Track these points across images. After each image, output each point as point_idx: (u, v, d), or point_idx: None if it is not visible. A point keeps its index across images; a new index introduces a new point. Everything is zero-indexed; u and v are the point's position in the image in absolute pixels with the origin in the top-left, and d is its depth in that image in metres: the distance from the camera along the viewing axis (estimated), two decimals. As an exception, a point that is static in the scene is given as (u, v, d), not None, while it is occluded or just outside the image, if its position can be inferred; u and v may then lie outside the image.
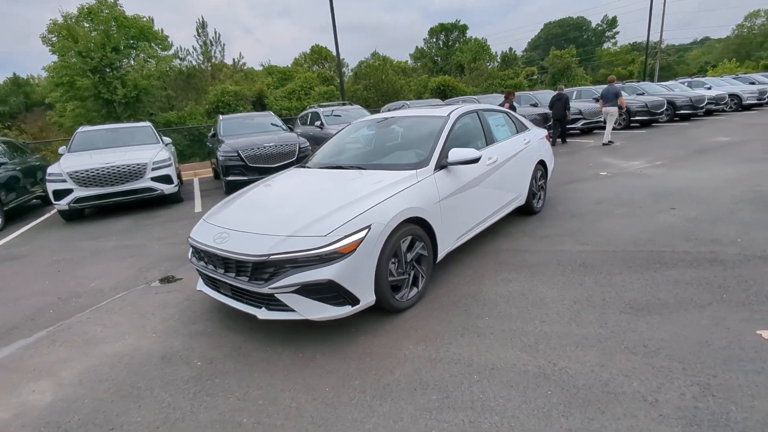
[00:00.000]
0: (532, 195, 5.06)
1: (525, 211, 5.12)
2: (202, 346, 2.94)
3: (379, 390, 2.31)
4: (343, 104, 11.75)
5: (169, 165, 7.90)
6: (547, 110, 12.51)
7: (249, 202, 3.47)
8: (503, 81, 28.37)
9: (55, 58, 16.45)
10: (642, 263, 3.56)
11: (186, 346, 2.97)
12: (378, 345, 2.74)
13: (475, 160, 3.53)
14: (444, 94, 22.67)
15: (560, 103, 11.99)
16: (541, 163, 5.27)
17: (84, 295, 4.10)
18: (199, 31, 21.77)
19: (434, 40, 36.37)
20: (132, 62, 16.86)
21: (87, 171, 7.18)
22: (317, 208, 2.91)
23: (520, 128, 5.16)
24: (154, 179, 7.59)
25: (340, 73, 15.35)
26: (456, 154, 3.50)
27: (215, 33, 23.79)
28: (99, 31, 15.88)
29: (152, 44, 17.37)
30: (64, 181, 7.13)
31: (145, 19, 17.42)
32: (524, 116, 10.94)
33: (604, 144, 10.94)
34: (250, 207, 3.36)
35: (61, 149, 8.42)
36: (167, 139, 9.27)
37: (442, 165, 3.52)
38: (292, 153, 8.58)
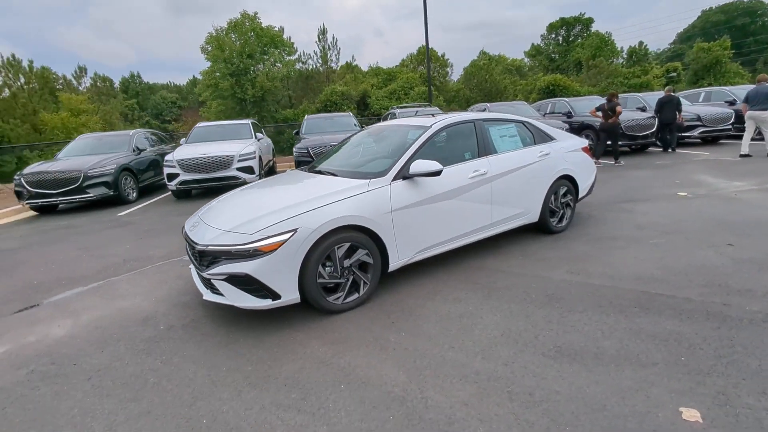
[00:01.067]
0: (549, 213, 4.57)
1: (541, 229, 4.65)
2: (174, 314, 3.44)
3: (259, 379, 2.48)
4: (421, 105, 11.74)
5: (253, 158, 8.94)
6: (652, 114, 10.75)
7: (232, 198, 3.87)
8: (627, 80, 24.69)
9: (208, 64, 19.62)
10: (620, 304, 3.03)
11: (165, 312, 3.50)
12: (293, 340, 2.89)
13: (436, 173, 3.40)
14: (553, 93, 20.80)
15: (670, 107, 10.20)
16: (567, 179, 4.70)
17: (140, 259, 5.01)
18: (320, 37, 23.80)
19: (553, 36, 33.09)
20: (261, 67, 19.22)
21: (189, 159, 8.56)
22: (263, 209, 3.16)
23: (539, 139, 4.66)
24: (239, 169, 8.69)
25: (429, 72, 15.22)
26: (418, 165, 3.42)
27: (333, 38, 25.67)
28: (240, 41, 18.42)
29: (280, 50, 19.52)
30: (174, 166, 8.62)
31: (276, 29, 19.63)
32: (627, 121, 9.80)
33: (741, 156, 8.89)
34: (229, 202, 3.76)
35: (182, 140, 10.14)
36: (260, 135, 10.45)
37: (405, 176, 3.45)
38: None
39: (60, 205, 8.85)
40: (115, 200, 8.77)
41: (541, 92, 21.43)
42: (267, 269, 2.83)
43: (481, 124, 4.20)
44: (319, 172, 3.98)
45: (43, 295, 4.08)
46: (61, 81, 23.07)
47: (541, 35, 34.43)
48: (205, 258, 3.00)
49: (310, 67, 22.99)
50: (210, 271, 2.93)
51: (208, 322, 3.25)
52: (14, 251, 5.85)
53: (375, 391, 2.28)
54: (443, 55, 27.24)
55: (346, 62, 26.38)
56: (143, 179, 9.81)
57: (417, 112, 12.15)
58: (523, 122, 4.63)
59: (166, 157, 8.90)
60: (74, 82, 24.39)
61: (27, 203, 8.33)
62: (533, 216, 4.47)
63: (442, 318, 3.03)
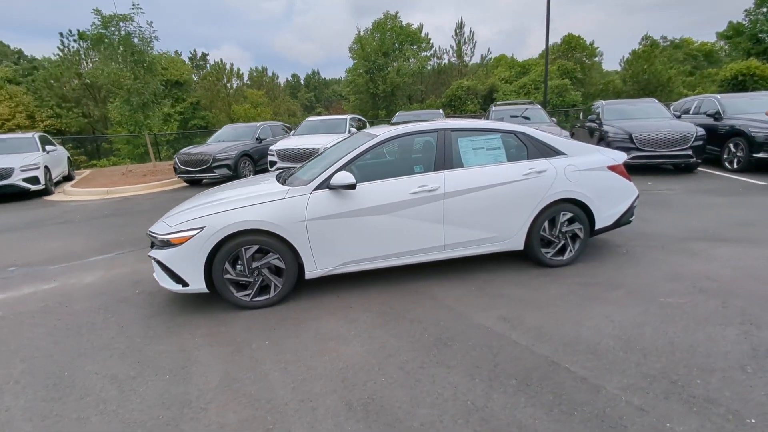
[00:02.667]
0: (540, 241, 3.76)
1: (534, 260, 3.86)
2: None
3: (134, 350, 2.86)
4: (524, 104, 10.49)
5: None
6: None
7: (205, 194, 4.14)
8: None
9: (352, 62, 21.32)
10: (503, 371, 2.40)
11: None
12: (178, 323, 3.19)
13: (350, 186, 3.21)
14: (743, 86, 15.69)
15: None
16: (574, 203, 3.75)
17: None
18: (457, 31, 23.02)
19: (765, 10, 23.55)
20: (395, 63, 19.91)
21: (284, 150, 9.66)
22: (198, 206, 3.49)
23: (535, 153, 3.78)
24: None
25: (546, 63, 13.23)
26: (338, 177, 3.27)
27: (470, 32, 24.33)
28: (378, 40, 19.44)
29: (416, 46, 19.86)
30: (273, 155, 9.85)
31: (414, 26, 19.99)
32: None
33: None
34: (199, 197, 4.06)
35: (292, 132, 11.43)
36: (354, 130, 10.99)
37: (329, 186, 3.34)
38: (684, 140, 7.76)
39: (203, 180, 11.04)
40: (235, 178, 10.51)
41: (726, 84, 16.48)
42: (176, 259, 3.18)
43: (447, 135, 3.68)
44: (278, 177, 4.03)
45: (133, 246, 5.31)
46: (245, 81, 28.42)
47: (746, 10, 25.39)
48: (151, 240, 3.51)
49: (444, 62, 22.77)
50: (149, 252, 3.43)
51: (184, 298, 3.79)
52: (145, 212, 7.64)
53: (176, 388, 2.41)
54: (592, 43, 23.32)
55: (481, 56, 25.10)
56: (260, 163, 11.42)
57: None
58: (514, 132, 3.85)
59: (270, 147, 10.19)
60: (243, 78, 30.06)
61: (178, 176, 10.67)
62: (514, 243, 3.75)
63: (315, 336, 2.91)
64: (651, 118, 8.79)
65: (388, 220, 3.42)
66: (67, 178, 12.88)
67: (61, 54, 27.53)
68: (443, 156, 3.60)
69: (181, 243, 3.16)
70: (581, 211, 3.79)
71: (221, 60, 26.84)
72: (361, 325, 3.03)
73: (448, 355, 2.57)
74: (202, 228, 3.17)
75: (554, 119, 9.77)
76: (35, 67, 31.19)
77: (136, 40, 11.94)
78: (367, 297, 3.47)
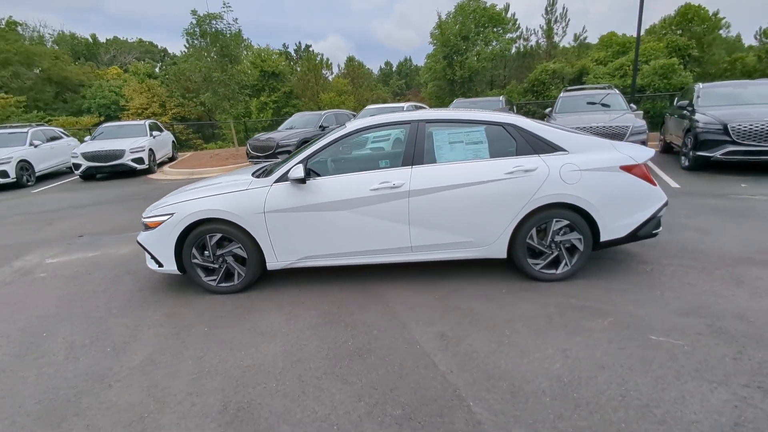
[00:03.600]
0: (526, 251, 3.23)
1: (521, 271, 3.34)
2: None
3: (104, 320, 3.16)
4: (600, 89, 9.03)
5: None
6: None
7: (201, 181, 4.30)
8: None
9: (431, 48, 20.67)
10: (393, 397, 2.11)
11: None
12: (162, 303, 3.42)
13: (299, 181, 3.09)
14: None
15: None
16: (572, 209, 3.13)
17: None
18: (548, 9, 20.44)
19: None
20: (476, 47, 18.76)
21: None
22: (179, 193, 3.67)
23: (527, 149, 3.18)
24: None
25: (638, 36, 10.97)
26: (293, 171, 3.16)
27: (563, 9, 21.30)
28: (458, 24, 18.51)
29: (498, 29, 18.47)
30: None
31: (499, 7, 18.58)
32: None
33: None
34: (195, 184, 4.23)
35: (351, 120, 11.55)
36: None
37: (288, 179, 3.26)
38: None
39: (271, 165, 11.80)
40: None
41: None
42: (151, 241, 3.41)
43: (421, 127, 3.31)
44: (261, 169, 3.98)
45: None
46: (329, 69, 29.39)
47: None
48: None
49: (531, 44, 20.62)
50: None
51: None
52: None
53: (106, 361, 2.59)
54: (716, 13, 18.84)
55: (574, 34, 22.03)
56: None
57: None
58: (502, 124, 3.29)
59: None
60: (341, 67, 30.80)
61: (249, 161, 11.54)
62: (494, 250, 3.27)
63: (249, 329, 2.90)
64: (765, 105, 6.95)
65: (347, 216, 3.23)
66: (172, 159, 14.78)
67: (186, 50, 31.45)
68: (413, 150, 3.26)
69: (155, 227, 3.38)
70: (581, 218, 3.15)
71: (312, 51, 28.24)
72: (299, 323, 2.93)
73: (354, 369, 2.35)
74: (171, 214, 3.33)
75: (633, 106, 8.26)
76: (175, 62, 36.19)
77: (225, 35, 13.05)
78: (323, 294, 3.34)
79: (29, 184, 10.92)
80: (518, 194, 3.12)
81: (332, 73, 36.67)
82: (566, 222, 3.17)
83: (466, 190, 3.15)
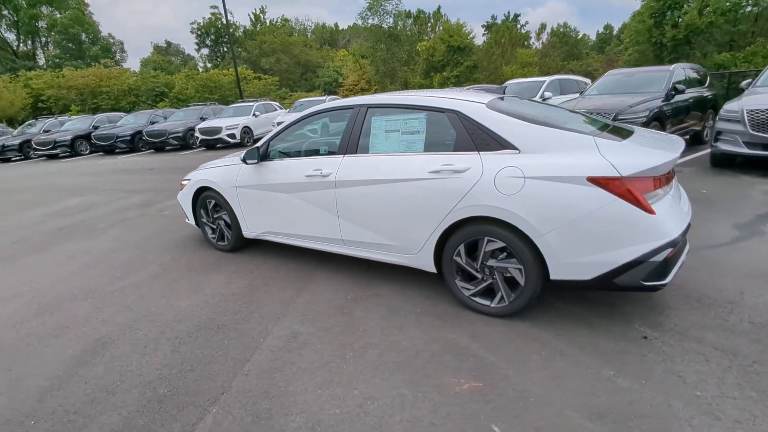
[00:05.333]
0: (454, 270, 2.62)
1: (454, 295, 2.73)
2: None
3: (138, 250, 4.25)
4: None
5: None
6: None
7: None
8: None
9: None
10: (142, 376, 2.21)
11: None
12: (179, 250, 4.30)
13: (244, 161, 3.32)
14: None
15: None
16: (509, 228, 2.33)
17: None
18: None
19: None
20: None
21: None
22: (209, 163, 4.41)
23: (468, 144, 2.44)
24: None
25: None
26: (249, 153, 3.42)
27: None
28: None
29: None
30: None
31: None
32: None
33: None
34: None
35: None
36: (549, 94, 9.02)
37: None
38: None
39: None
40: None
41: None
42: (180, 198, 4.30)
43: (362, 112, 2.94)
44: None
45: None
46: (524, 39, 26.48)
47: None
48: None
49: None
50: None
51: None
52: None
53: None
54: None
55: None
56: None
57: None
58: (446, 111, 2.58)
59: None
60: (533, 38, 27.12)
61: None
62: (419, 261, 2.76)
63: (199, 281, 3.40)
64: None
65: (289, 199, 3.29)
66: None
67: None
68: (348, 138, 2.99)
69: (182, 188, 4.22)
70: (521, 243, 2.31)
71: (518, 20, 26.29)
72: (228, 285, 3.26)
73: (195, 345, 2.55)
74: (189, 180, 4.10)
75: None
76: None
77: (390, 19, 13.77)
78: (278, 270, 3.53)
79: (248, 144, 14.37)
80: (442, 199, 2.52)
81: (538, 42, 33.57)
82: (501, 244, 2.39)
83: (388, 187, 2.74)
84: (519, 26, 30.16)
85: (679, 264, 2.22)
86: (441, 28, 26.21)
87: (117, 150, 16.02)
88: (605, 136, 2.33)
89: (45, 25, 49.08)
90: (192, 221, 4.27)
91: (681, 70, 7.35)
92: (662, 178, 2.16)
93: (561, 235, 2.19)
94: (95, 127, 17.61)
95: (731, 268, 2.94)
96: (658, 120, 6.43)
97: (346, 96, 31.75)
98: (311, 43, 49.84)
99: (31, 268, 4.02)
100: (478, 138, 2.47)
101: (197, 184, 3.98)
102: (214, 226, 4.07)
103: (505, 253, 2.42)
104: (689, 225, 2.38)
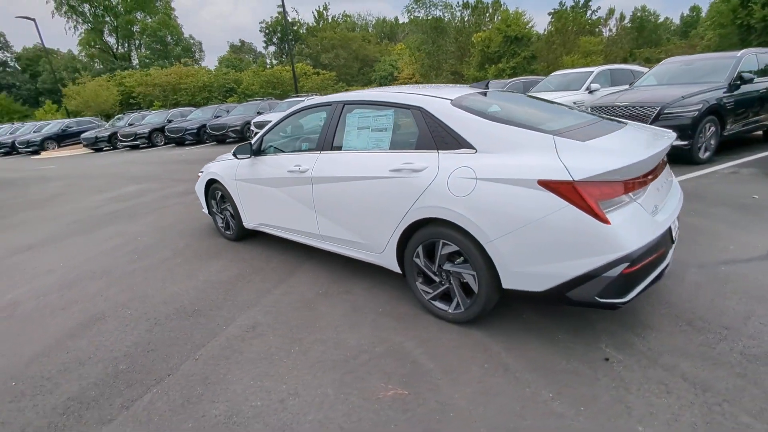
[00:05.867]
0: (415, 272, 2.54)
1: (416, 297, 2.63)
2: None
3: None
4: None
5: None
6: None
7: None
8: None
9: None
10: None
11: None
12: (181, 232, 4.60)
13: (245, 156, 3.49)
14: None
15: None
16: (461, 232, 2.19)
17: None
18: None
19: None
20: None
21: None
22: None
23: (425, 142, 2.33)
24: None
25: None
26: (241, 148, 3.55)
27: None
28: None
29: None
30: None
31: None
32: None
33: None
34: None
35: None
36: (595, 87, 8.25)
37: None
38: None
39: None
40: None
41: None
42: (197, 189, 4.57)
43: (338, 109, 2.91)
44: None
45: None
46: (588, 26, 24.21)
47: None
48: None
49: None
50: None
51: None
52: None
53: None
54: None
55: None
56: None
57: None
58: (411, 108, 2.46)
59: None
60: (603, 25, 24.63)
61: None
62: (385, 260, 2.70)
63: (198, 266, 3.62)
64: None
65: (276, 193, 3.37)
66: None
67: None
68: (325, 135, 2.99)
69: (198, 179, 4.50)
70: (474, 248, 2.17)
71: (572, 7, 24.36)
72: (220, 273, 3.44)
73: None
74: (202, 172, 4.36)
75: None
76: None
77: (438, 11, 13.42)
78: (269, 261, 3.65)
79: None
80: (400, 199, 2.44)
81: (606, 29, 30.98)
82: (455, 248, 2.26)
83: (356, 184, 2.70)
84: (589, 12, 27.93)
85: (646, 282, 1.95)
86: (499, 18, 25.01)
87: (186, 142, 17.40)
88: (572, 135, 2.09)
89: (138, 29, 54.44)
90: (206, 210, 4.54)
91: (752, 57, 6.35)
92: (628, 183, 1.90)
93: (511, 241, 2.02)
94: (169, 121, 19.30)
95: (748, 287, 2.52)
96: (716, 114, 5.65)
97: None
98: (370, 37, 50.21)
99: (72, 247, 4.55)
100: (439, 136, 2.35)
101: (207, 177, 4.22)
102: (222, 216, 4.29)
103: (461, 258, 2.29)
104: (670, 238, 2.08)
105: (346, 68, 40.33)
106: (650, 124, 5.59)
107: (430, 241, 2.38)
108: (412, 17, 13.82)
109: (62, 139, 21.84)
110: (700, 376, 1.86)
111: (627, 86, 7.50)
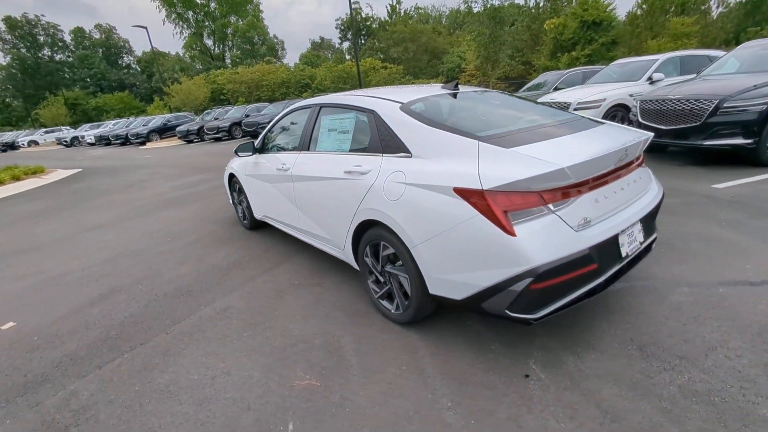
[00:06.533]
0: (367, 271, 2.60)
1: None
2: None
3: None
4: None
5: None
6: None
7: None
8: None
9: None
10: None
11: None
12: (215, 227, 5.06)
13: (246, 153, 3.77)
14: None
15: None
16: (393, 235, 2.20)
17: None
18: None
19: None
20: None
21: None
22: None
23: (374, 145, 2.37)
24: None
25: None
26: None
27: None
28: None
29: None
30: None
31: None
32: None
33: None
34: None
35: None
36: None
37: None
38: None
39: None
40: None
41: None
42: (225, 181, 5.02)
43: (315, 111, 3.03)
44: None
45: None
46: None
47: None
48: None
49: None
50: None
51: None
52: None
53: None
54: None
55: None
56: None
57: None
58: (366, 111, 2.46)
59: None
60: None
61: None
62: (347, 257, 2.79)
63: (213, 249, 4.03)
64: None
65: (270, 188, 3.61)
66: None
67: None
68: (304, 135, 3.13)
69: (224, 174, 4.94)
70: (405, 252, 2.17)
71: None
72: (224, 259, 3.79)
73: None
74: (228, 166, 4.78)
75: None
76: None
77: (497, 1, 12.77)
78: (268, 251, 3.94)
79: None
80: (350, 199, 2.51)
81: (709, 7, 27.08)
82: (393, 251, 2.28)
83: (320, 183, 2.82)
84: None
85: (566, 300, 1.80)
86: (576, 2, 22.90)
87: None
88: (503, 140, 1.98)
89: (231, 32, 59.45)
90: (231, 201, 4.98)
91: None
92: (546, 194, 1.76)
93: (432, 247, 1.99)
94: (247, 116, 21.00)
95: (736, 314, 2.18)
96: (793, 107, 4.72)
97: (468, 82, 30.59)
98: (441, 29, 49.12)
99: (128, 228, 5.28)
100: (384, 139, 2.37)
101: (228, 171, 4.63)
102: (240, 207, 4.68)
103: (400, 261, 2.30)
104: (615, 254, 1.89)
105: (415, 61, 40.04)
106: (706, 121, 4.88)
107: (375, 242, 2.42)
108: (468, 7, 13.30)
109: (163, 131, 24.87)
110: (617, 405, 1.70)
111: (695, 75, 6.54)
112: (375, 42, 45.96)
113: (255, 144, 3.81)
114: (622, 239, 1.97)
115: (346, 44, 55.22)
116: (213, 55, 60.55)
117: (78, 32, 64.15)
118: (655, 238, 2.35)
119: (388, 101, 2.48)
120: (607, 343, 2.09)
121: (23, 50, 59.14)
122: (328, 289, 3.01)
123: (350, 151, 2.67)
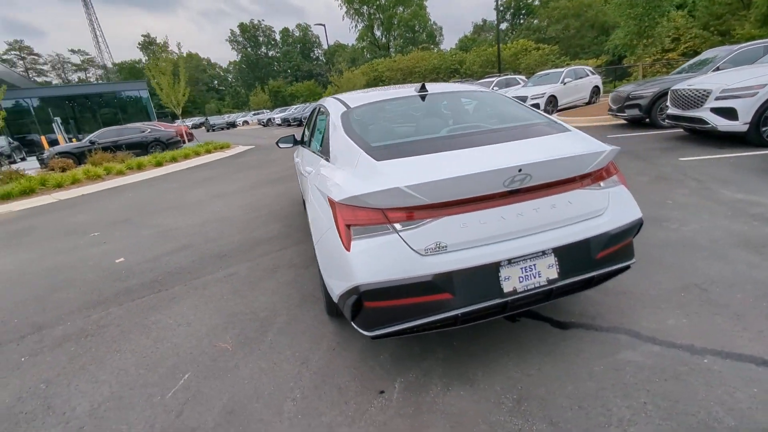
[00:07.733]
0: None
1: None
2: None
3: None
4: None
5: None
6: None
7: None
8: None
9: None
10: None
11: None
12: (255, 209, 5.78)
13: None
14: None
15: None
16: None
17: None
18: None
19: None
20: None
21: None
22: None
23: (326, 147, 2.40)
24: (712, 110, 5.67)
25: None
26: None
27: None
28: None
29: None
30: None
31: None
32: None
33: None
34: None
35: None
36: None
37: None
38: None
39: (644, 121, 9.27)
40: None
41: None
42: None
43: (317, 111, 3.22)
44: None
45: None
46: None
47: None
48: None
49: None
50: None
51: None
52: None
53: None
54: None
55: None
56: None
57: None
58: (329, 116, 2.53)
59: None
60: None
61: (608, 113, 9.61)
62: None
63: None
64: None
65: (301, 179, 4.01)
66: (589, 103, 14.41)
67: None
68: (310, 134, 3.38)
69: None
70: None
71: None
72: (266, 242, 4.44)
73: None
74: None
75: None
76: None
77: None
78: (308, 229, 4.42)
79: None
80: (306, 196, 2.70)
81: None
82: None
83: (301, 179, 3.07)
84: None
85: (407, 325, 1.66)
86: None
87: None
88: (386, 152, 1.87)
89: (396, 22, 62.48)
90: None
91: None
92: (393, 212, 1.62)
93: (320, 248, 2.07)
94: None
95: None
96: None
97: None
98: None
99: (238, 197, 6.50)
100: (326, 143, 2.46)
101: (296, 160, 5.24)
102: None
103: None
104: (465, 286, 1.65)
105: (579, 38, 34.93)
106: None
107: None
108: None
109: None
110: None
111: None
112: (533, 21, 41.79)
113: (294, 138, 4.26)
114: (505, 272, 1.66)
115: (503, 25, 51.80)
116: (380, 45, 64.86)
117: (285, 32, 77.47)
118: (611, 273, 1.85)
119: (341, 105, 2.54)
120: (490, 383, 1.81)
121: (249, 49, 75.19)
122: (311, 272, 3.29)
123: (317, 151, 2.83)
